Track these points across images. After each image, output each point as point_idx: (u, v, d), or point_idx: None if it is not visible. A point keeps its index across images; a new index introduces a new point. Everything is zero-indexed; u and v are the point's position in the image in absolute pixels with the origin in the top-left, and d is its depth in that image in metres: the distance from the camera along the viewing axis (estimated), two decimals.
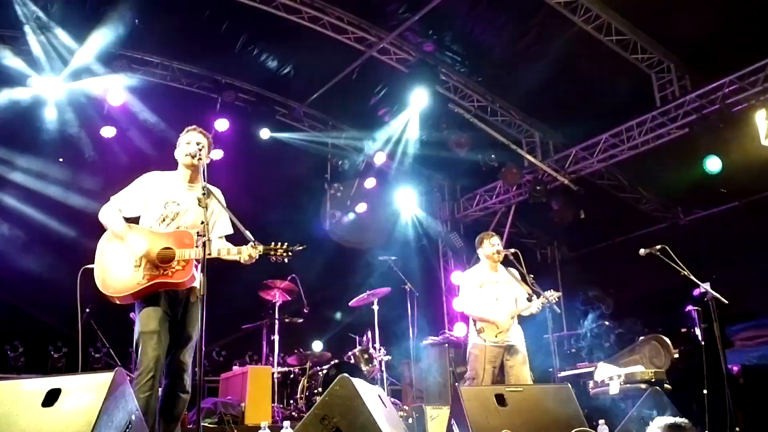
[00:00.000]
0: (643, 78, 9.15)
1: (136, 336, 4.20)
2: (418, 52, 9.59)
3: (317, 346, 8.26)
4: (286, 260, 4.37)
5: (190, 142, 4.48)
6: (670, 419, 3.13)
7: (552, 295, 6.16)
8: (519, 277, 6.45)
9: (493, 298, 6.37)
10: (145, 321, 4.18)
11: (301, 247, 4.40)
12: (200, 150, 4.36)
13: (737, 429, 5.07)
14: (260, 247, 4.29)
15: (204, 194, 4.19)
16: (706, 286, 5.66)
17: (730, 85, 8.38)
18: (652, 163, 9.59)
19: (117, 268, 4.23)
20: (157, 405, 4.11)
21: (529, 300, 6.33)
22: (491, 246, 6.52)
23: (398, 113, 10.13)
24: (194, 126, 4.63)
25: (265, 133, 10.26)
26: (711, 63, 8.58)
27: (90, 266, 4.35)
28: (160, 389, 4.17)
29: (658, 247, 5.76)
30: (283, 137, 10.63)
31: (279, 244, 4.35)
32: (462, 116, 10.30)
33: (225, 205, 4.49)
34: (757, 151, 8.00)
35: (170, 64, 9.65)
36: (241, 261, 4.32)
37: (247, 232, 4.26)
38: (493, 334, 6.21)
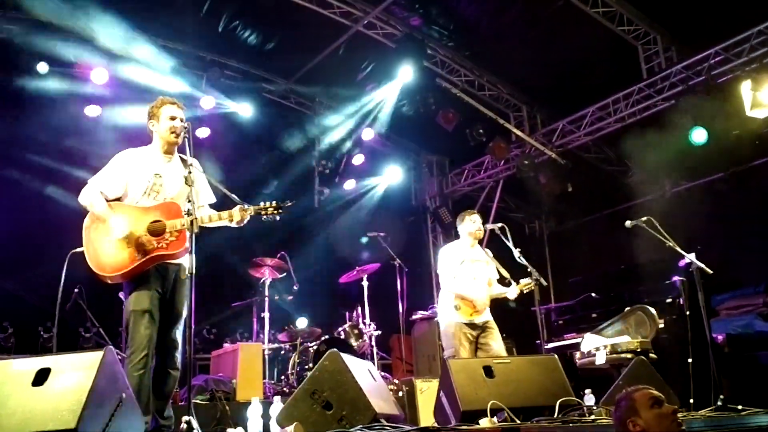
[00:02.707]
0: (630, 50, 9.15)
1: (126, 315, 4.22)
2: (405, 26, 9.52)
3: (302, 322, 8.29)
4: (277, 218, 4.43)
5: (175, 118, 4.45)
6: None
7: (528, 284, 6.19)
8: (493, 258, 6.50)
9: (471, 276, 6.35)
10: (137, 300, 4.20)
11: (290, 203, 4.48)
12: (185, 128, 4.35)
13: (722, 397, 5.14)
14: (251, 208, 4.37)
15: (190, 172, 4.20)
16: (691, 257, 5.71)
17: (715, 56, 8.40)
18: (639, 135, 9.61)
19: (109, 248, 4.22)
20: (150, 383, 4.14)
21: (502, 283, 6.38)
22: (473, 223, 6.50)
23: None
24: (171, 98, 4.57)
25: (251, 111, 10.18)
26: (697, 34, 8.58)
27: (79, 249, 4.35)
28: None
29: (644, 218, 5.81)
30: (269, 114, 10.56)
31: (269, 202, 4.40)
32: (450, 91, 10.28)
33: (204, 175, 4.53)
34: (743, 122, 8.04)
35: (154, 41, 9.50)
36: (232, 224, 4.40)
37: (234, 196, 4.32)
38: (468, 312, 6.21)
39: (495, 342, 6.21)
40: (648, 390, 3.06)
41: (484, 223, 6.60)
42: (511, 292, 6.28)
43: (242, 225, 4.43)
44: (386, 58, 9.54)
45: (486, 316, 6.32)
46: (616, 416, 3.10)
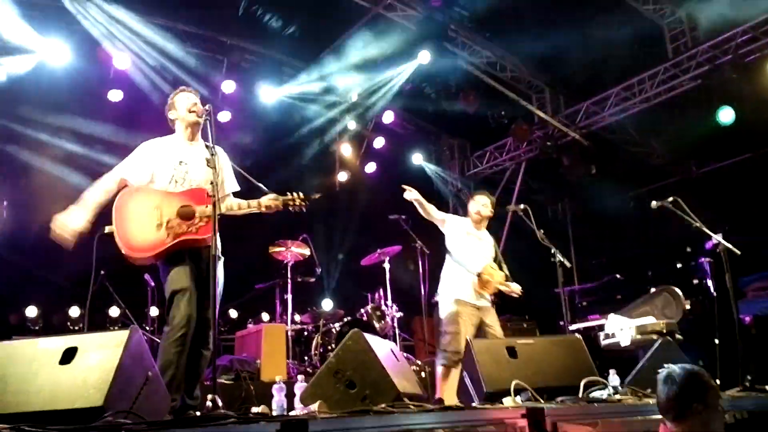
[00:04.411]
0: (655, 29, 9.01)
1: (167, 294, 4.24)
2: (425, 7, 9.42)
3: (327, 304, 8.32)
4: (304, 209, 4.51)
5: (194, 102, 4.54)
6: (683, 366, 3.18)
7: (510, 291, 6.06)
8: (496, 246, 6.37)
9: (473, 250, 6.22)
10: (176, 279, 4.23)
11: (317, 195, 4.57)
12: (207, 111, 4.34)
13: (749, 377, 5.08)
14: (281, 199, 4.48)
15: (213, 154, 4.21)
16: (718, 238, 5.63)
17: (742, 35, 8.24)
18: (665, 115, 9.49)
19: (140, 229, 4.24)
20: (185, 362, 4.17)
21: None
22: (474, 203, 6.38)
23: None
24: (184, 87, 4.69)
25: (272, 94, 10.18)
26: (724, 12, 8.42)
27: (107, 230, 4.37)
28: None
29: (670, 199, 5.72)
30: (290, 98, 10.54)
31: (296, 194, 4.51)
32: (471, 72, 10.19)
33: (229, 163, 4.57)
34: None
35: (174, 26, 9.51)
36: (262, 211, 4.53)
37: (262, 186, 4.38)
38: (474, 295, 6.04)
39: (496, 326, 6.03)
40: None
41: (497, 207, 6.48)
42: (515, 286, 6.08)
43: (271, 212, 4.55)
44: (406, 40, 9.47)
45: (486, 301, 6.14)
46: (675, 386, 3.14)
